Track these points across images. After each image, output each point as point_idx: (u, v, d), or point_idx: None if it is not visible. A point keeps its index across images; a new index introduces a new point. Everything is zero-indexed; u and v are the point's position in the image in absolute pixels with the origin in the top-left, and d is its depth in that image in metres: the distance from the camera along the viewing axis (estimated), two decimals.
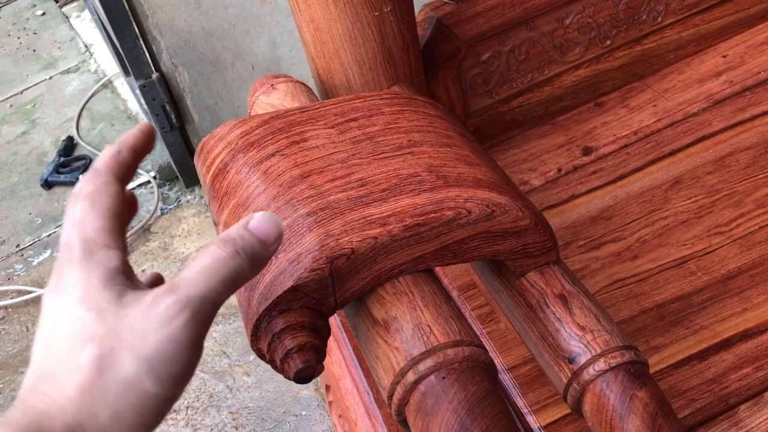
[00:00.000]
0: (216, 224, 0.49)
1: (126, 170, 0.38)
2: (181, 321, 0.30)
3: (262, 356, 0.42)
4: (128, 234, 1.70)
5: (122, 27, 1.32)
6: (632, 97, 0.88)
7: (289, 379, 0.40)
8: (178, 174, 1.72)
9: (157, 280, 0.41)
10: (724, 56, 0.89)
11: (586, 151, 0.83)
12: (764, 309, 0.63)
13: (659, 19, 0.87)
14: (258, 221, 0.33)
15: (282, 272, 0.41)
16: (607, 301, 0.68)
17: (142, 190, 1.89)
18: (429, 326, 0.40)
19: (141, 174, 1.90)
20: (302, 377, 0.39)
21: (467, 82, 0.82)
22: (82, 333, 0.30)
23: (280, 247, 0.42)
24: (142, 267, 1.62)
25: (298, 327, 0.40)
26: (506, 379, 0.64)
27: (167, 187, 1.87)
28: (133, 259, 1.64)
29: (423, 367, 0.39)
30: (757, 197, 0.72)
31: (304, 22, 0.62)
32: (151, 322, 0.30)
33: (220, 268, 0.31)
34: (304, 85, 0.64)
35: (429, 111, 0.53)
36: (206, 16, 1.33)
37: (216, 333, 1.39)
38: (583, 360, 0.43)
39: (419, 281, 0.43)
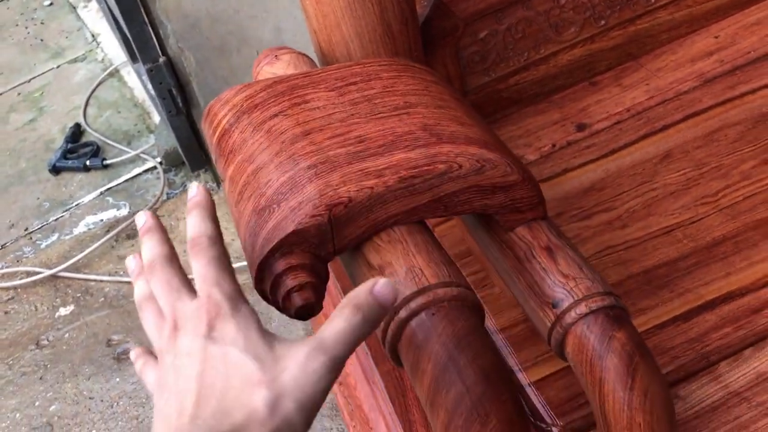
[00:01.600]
0: (222, 179, 0.52)
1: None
2: (330, 378, 0.37)
3: (265, 297, 0.44)
4: (134, 217, 1.74)
5: (130, 11, 1.35)
6: (626, 77, 0.90)
7: (290, 316, 0.43)
8: (184, 158, 1.75)
9: None
10: (716, 37, 0.91)
11: (580, 127, 0.86)
12: (747, 273, 0.66)
13: (652, 0, 0.89)
14: (381, 288, 0.38)
15: (284, 218, 0.44)
16: (597, 266, 0.70)
17: (149, 175, 1.93)
18: (421, 269, 0.43)
19: (147, 160, 1.93)
20: (302, 314, 0.42)
21: (465, 60, 0.85)
22: (251, 378, 0.36)
23: (282, 196, 0.45)
24: None
25: (298, 268, 0.43)
26: (499, 339, 0.67)
27: (173, 173, 1.90)
28: (138, 241, 1.68)
29: (414, 304, 0.42)
30: (743, 169, 0.75)
31: None
32: (308, 376, 0.36)
33: (354, 332, 0.38)
34: (307, 56, 0.67)
35: (425, 77, 0.56)
36: (212, 0, 1.36)
37: None
38: (565, 304, 0.46)
39: (413, 230, 0.46)
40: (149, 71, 1.44)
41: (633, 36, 0.90)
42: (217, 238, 0.43)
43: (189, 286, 0.42)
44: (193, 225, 0.43)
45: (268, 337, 0.38)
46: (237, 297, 0.40)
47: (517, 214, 0.50)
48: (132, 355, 0.48)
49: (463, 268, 0.73)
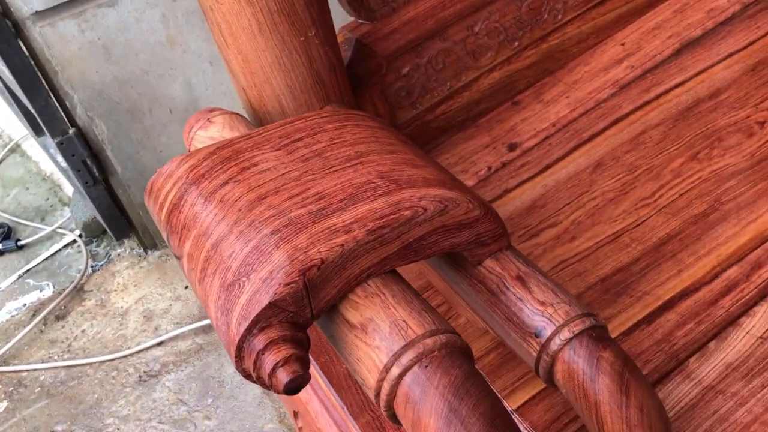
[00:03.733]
0: (178, 257, 0.50)
1: None
2: None
3: (247, 376, 0.43)
4: (61, 297, 1.65)
5: (32, 86, 1.29)
6: (546, 92, 0.93)
7: (279, 392, 0.41)
8: (106, 227, 1.68)
9: None
10: (623, 44, 0.96)
11: (511, 147, 0.88)
12: (696, 267, 0.69)
13: (559, 17, 0.93)
14: None
15: (256, 291, 0.42)
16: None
17: (69, 250, 1.84)
18: (404, 321, 0.42)
19: (65, 234, 1.85)
20: (292, 388, 0.41)
21: (392, 96, 0.85)
22: None
23: (250, 267, 0.43)
24: (81, 327, 1.57)
25: (279, 341, 0.41)
26: None
27: (95, 244, 1.82)
28: (70, 321, 1.59)
29: (405, 359, 0.41)
30: (673, 168, 0.78)
31: (232, 54, 0.64)
32: None
33: None
34: (240, 115, 0.66)
35: (368, 123, 0.56)
36: (117, 65, 1.32)
37: (169, 382, 1.37)
38: (548, 332, 0.46)
39: (387, 281, 0.45)
40: (59, 144, 1.38)
41: (546, 52, 0.94)
42: None
43: None
44: None
45: None
46: None
47: (482, 247, 0.50)
48: None
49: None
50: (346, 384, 0.68)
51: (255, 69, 0.64)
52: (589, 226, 0.75)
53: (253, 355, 0.41)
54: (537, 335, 0.46)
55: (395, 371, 0.41)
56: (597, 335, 0.46)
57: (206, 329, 1.44)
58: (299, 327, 0.43)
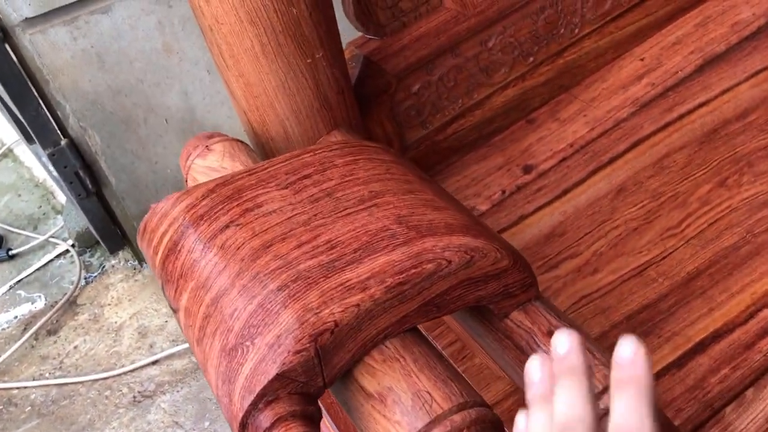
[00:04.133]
0: (174, 311, 0.45)
1: None
2: None
3: None
4: (53, 310, 1.60)
5: (22, 95, 1.24)
6: (561, 110, 0.88)
7: None
8: (99, 239, 1.63)
9: None
10: (642, 59, 0.91)
11: (527, 169, 0.83)
12: (729, 306, 0.64)
13: (576, 31, 0.88)
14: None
15: (262, 359, 0.37)
16: (576, 319, 0.67)
17: (62, 260, 1.79)
18: (429, 392, 0.38)
19: (58, 243, 1.80)
20: None
21: (401, 116, 0.81)
22: None
23: (254, 330, 0.39)
24: (74, 343, 1.52)
25: (288, 417, 0.37)
26: None
27: (88, 254, 1.77)
28: (62, 336, 1.54)
29: None
30: (700, 195, 0.74)
31: (233, 77, 0.59)
32: None
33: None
34: (241, 142, 0.61)
35: (382, 157, 0.51)
36: (111, 74, 1.27)
37: (164, 403, 1.32)
38: None
39: (407, 343, 0.41)
40: (51, 156, 1.33)
41: (562, 68, 0.89)
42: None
43: None
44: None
45: None
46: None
47: (510, 299, 0.45)
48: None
49: (438, 340, 0.69)
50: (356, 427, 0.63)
51: (258, 93, 0.59)
52: (612, 257, 0.71)
53: None
54: None
55: None
56: None
57: None
58: (309, 399, 0.38)
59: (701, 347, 0.62)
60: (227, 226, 0.45)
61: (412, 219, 0.44)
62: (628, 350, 0.32)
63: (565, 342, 0.34)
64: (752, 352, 0.61)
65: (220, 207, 0.46)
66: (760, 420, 0.56)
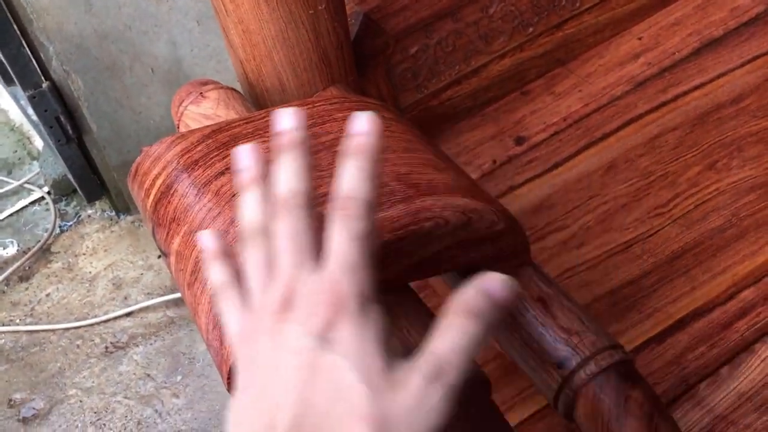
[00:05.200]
0: (165, 254, 0.44)
1: None
2: (446, 412, 0.29)
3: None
4: (26, 257, 1.58)
5: (3, 33, 1.20)
6: (557, 84, 0.88)
7: None
8: (77, 187, 1.60)
9: None
10: (640, 38, 0.91)
11: (519, 140, 0.83)
12: (710, 286, 0.65)
13: (578, 4, 0.87)
14: (493, 285, 0.31)
15: None
16: None
17: (36, 207, 1.76)
18: (409, 335, 0.38)
19: (33, 190, 1.77)
20: None
21: (396, 78, 0.80)
22: (357, 408, 0.28)
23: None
24: (46, 291, 1.50)
25: None
26: None
27: (64, 203, 1.74)
28: (34, 283, 1.52)
29: None
30: (690, 176, 0.74)
31: (232, 23, 0.58)
32: (424, 412, 0.29)
33: (472, 346, 0.30)
34: (235, 91, 0.60)
35: (383, 114, 0.50)
36: (98, 18, 1.24)
37: (137, 355, 1.31)
38: (572, 364, 0.42)
39: (401, 299, 0.41)
40: (31, 98, 1.30)
41: (561, 41, 0.88)
42: (373, 207, 0.33)
43: (316, 248, 0.32)
44: (349, 178, 0.33)
45: (388, 353, 0.30)
46: (368, 295, 0.31)
47: (502, 262, 0.45)
48: (206, 254, 0.35)
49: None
50: None
51: (256, 41, 0.58)
52: (598, 232, 0.71)
53: None
54: (559, 366, 0.42)
55: None
56: (625, 371, 0.42)
57: (178, 302, 1.38)
58: None
59: (681, 324, 0.63)
60: (223, 173, 0.44)
61: (412, 177, 0.44)
62: (362, 124, 0.34)
63: (286, 119, 0.35)
64: (730, 331, 0.62)
65: (215, 153, 0.45)
66: (732, 397, 0.58)
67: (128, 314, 1.39)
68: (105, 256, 1.54)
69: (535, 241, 0.72)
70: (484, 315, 0.30)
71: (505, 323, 0.46)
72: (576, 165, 0.78)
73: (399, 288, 0.41)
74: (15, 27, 1.24)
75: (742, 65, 0.84)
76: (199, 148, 0.46)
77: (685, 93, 0.83)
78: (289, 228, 0.33)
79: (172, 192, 0.45)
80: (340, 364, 0.29)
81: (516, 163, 0.80)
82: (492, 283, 0.31)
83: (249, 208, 0.35)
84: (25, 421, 1.27)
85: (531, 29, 0.86)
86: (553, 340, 0.43)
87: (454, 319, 0.30)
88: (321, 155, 0.45)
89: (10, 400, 1.30)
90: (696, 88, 0.83)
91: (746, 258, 0.66)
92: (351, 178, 0.33)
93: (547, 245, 0.71)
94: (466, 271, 0.48)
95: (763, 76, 0.83)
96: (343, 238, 0.32)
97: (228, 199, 0.42)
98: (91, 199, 1.61)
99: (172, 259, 0.43)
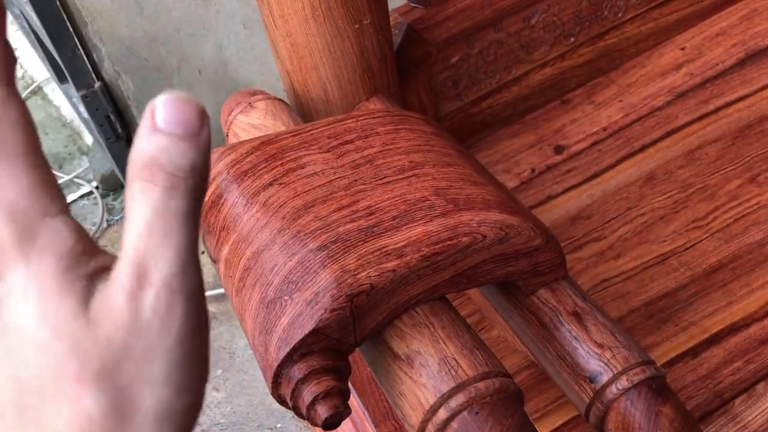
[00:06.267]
0: (214, 261, 0.47)
1: None
2: (178, 315, 0.22)
3: (283, 402, 0.40)
4: None
5: (60, 35, 1.25)
6: (597, 93, 0.88)
7: (317, 425, 0.38)
8: (124, 184, 1.65)
9: None
10: (682, 48, 0.91)
11: (558, 149, 0.84)
12: (748, 301, 0.65)
13: (620, 15, 0.88)
14: (169, 111, 0.22)
15: (300, 314, 0.39)
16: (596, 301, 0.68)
17: (85, 201, 1.82)
18: (455, 359, 0.39)
19: (82, 184, 1.82)
20: (331, 423, 0.38)
21: (437, 86, 0.81)
22: (63, 374, 0.21)
23: (293, 286, 0.40)
24: None
25: (321, 371, 0.38)
26: None
27: (111, 197, 1.80)
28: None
29: (454, 403, 0.38)
30: (729, 189, 0.74)
31: (280, 36, 0.60)
32: (145, 336, 0.22)
33: (171, 215, 0.22)
34: (283, 101, 0.62)
35: (423, 128, 0.52)
36: (149, 20, 1.28)
37: None
38: (604, 379, 0.43)
39: (437, 311, 0.42)
40: (84, 98, 1.35)
41: (602, 51, 0.89)
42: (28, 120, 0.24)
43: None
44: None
45: (77, 280, 0.22)
46: (30, 208, 0.22)
47: (538, 277, 0.47)
48: None
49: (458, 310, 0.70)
50: (369, 389, 0.66)
51: (303, 54, 0.60)
52: (635, 244, 0.72)
53: (292, 383, 0.38)
54: (592, 380, 0.43)
55: (443, 414, 0.38)
56: (657, 386, 0.43)
57: (219, 298, 1.41)
58: (341, 355, 0.40)
59: (717, 339, 0.63)
60: (270, 184, 0.46)
61: (450, 192, 0.45)
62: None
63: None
64: (766, 347, 0.62)
65: (263, 165, 0.48)
66: (767, 414, 0.58)
67: None
68: None
69: (571, 251, 0.73)
70: (176, 166, 0.22)
71: (539, 335, 0.47)
72: (615, 175, 0.79)
73: (435, 301, 0.43)
74: (71, 29, 1.29)
75: None
76: (248, 159, 0.48)
77: (728, 105, 0.82)
78: None
79: (222, 201, 0.47)
80: (19, 323, 0.22)
81: (555, 172, 0.81)
82: (167, 108, 0.22)
83: None
84: None
85: (572, 39, 0.86)
86: (586, 354, 0.44)
87: (134, 185, 0.22)
88: (363, 169, 0.47)
89: None
90: (739, 99, 0.83)
91: None
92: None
93: (584, 256, 0.72)
94: (501, 283, 0.49)
95: None
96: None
97: (275, 209, 0.44)
98: None
99: (221, 266, 0.45)
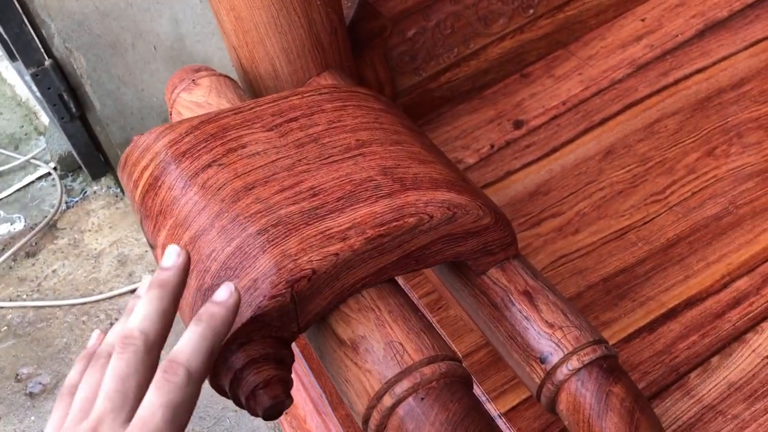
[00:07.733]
0: (153, 247, 0.45)
1: None
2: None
3: (222, 393, 0.38)
4: (32, 233, 1.59)
5: (4, 10, 1.20)
6: (557, 66, 0.87)
7: (256, 416, 0.37)
8: (82, 164, 1.61)
9: None
10: (643, 20, 0.90)
11: (517, 124, 0.83)
12: (704, 275, 0.65)
13: None
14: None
15: None
16: (554, 278, 0.68)
17: (42, 182, 1.77)
18: (401, 343, 0.38)
19: (40, 165, 1.77)
20: (271, 413, 0.36)
21: (394, 61, 0.79)
22: None
23: (231, 272, 0.39)
24: (53, 267, 1.52)
25: (261, 360, 0.37)
26: None
27: (70, 179, 1.75)
28: (41, 259, 1.54)
29: (399, 389, 0.37)
30: (687, 163, 0.74)
31: (224, 10, 0.57)
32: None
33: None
34: (228, 78, 0.60)
35: (372, 104, 0.50)
36: None
37: None
38: (555, 359, 0.42)
39: (384, 294, 0.41)
40: (34, 76, 1.30)
41: (562, 23, 0.87)
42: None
43: (138, 396, 0.33)
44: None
45: None
46: None
47: (489, 256, 0.46)
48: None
49: (415, 290, 0.69)
50: (326, 372, 0.64)
51: (248, 28, 0.58)
52: (594, 219, 0.71)
53: (231, 373, 0.37)
54: (542, 361, 0.42)
55: (388, 401, 0.37)
56: (608, 366, 0.42)
57: None
58: (283, 343, 0.38)
59: (673, 313, 0.63)
60: (209, 165, 0.44)
61: (398, 171, 0.44)
62: (224, 293, 0.35)
63: (172, 257, 0.35)
64: (722, 321, 0.62)
65: (203, 145, 0.46)
66: (722, 387, 0.58)
67: (133, 291, 1.41)
68: (110, 233, 1.55)
69: (529, 227, 0.72)
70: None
71: (490, 315, 0.46)
72: (573, 150, 0.78)
73: (383, 283, 0.42)
74: (16, 3, 1.24)
75: (745, 48, 0.83)
76: (187, 139, 0.46)
77: (687, 77, 0.82)
78: (117, 369, 0.33)
79: (159, 184, 0.45)
80: None
81: (514, 147, 0.80)
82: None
83: (115, 328, 0.36)
84: (31, 395, 1.29)
85: (532, 11, 0.85)
86: (537, 334, 0.43)
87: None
88: (307, 149, 0.45)
89: (17, 375, 1.32)
90: (698, 71, 0.82)
91: (742, 246, 0.66)
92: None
93: (542, 232, 0.71)
94: (453, 264, 0.48)
95: (765, 60, 0.81)
96: (154, 401, 0.32)
97: (214, 192, 0.43)
98: (95, 176, 1.62)
99: (159, 252, 0.43)
